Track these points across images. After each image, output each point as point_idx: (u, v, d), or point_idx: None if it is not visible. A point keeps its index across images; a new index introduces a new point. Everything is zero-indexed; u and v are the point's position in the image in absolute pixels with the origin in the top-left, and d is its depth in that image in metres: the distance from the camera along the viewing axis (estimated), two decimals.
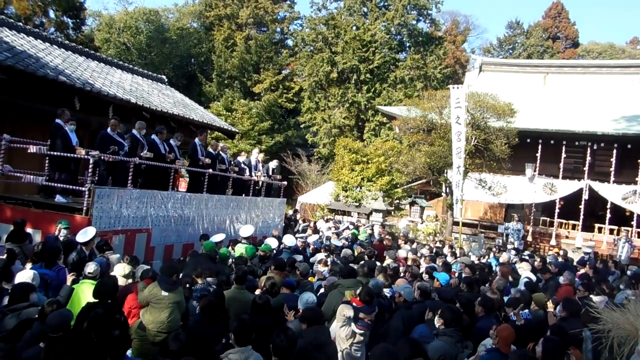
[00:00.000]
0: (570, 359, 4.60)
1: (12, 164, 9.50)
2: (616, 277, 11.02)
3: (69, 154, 8.77)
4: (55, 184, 8.80)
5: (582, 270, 11.29)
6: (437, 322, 5.03)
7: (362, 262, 8.72)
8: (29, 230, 7.93)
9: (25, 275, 5.16)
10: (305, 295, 5.60)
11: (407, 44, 37.74)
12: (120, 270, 6.48)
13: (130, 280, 6.45)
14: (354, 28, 35.24)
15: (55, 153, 8.78)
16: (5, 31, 13.42)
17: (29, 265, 6.10)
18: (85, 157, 8.65)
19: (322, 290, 7.14)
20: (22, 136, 9.98)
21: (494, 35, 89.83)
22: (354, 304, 5.50)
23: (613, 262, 13.17)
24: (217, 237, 9.39)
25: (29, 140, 9.88)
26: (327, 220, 18.28)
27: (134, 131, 10.06)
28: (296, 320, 5.30)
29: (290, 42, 42.42)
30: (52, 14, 34.99)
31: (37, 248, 6.31)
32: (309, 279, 7.98)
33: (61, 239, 7.49)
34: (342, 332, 5.20)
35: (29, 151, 9.27)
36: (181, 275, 6.67)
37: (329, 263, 8.66)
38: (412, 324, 5.55)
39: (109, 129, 9.43)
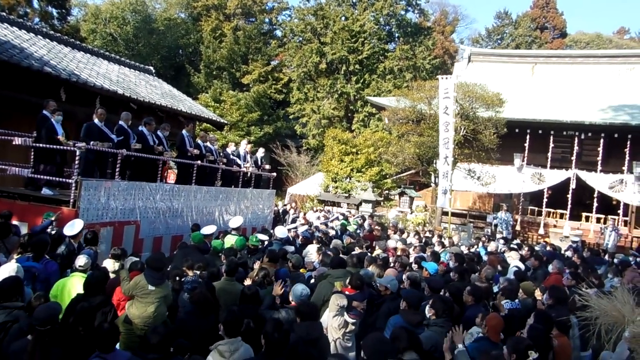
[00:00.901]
0: (553, 343, 4.65)
1: None
2: (608, 266, 11.11)
3: (54, 146, 8.65)
4: (41, 176, 8.70)
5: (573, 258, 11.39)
6: (429, 312, 5.05)
7: (351, 253, 8.74)
8: (15, 222, 7.82)
9: (9, 268, 5.06)
10: (299, 287, 5.57)
11: (396, 35, 37.65)
12: (110, 266, 6.43)
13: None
14: (343, 18, 35.05)
15: (40, 145, 8.66)
16: None
17: (16, 256, 6.01)
18: (72, 148, 8.54)
19: (312, 281, 7.14)
20: (7, 128, 9.84)
21: (483, 25, 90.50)
22: (346, 292, 5.51)
23: (603, 251, 13.30)
24: (208, 230, 9.30)
25: (14, 131, 9.74)
26: (316, 211, 18.30)
27: (121, 122, 9.94)
28: (285, 309, 5.29)
29: (278, 33, 42.19)
30: (36, 4, 34.64)
31: (23, 239, 6.22)
32: (300, 270, 7.96)
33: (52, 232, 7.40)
34: (334, 322, 5.21)
35: (14, 143, 9.13)
36: (170, 267, 6.62)
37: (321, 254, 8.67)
38: None
39: (96, 120, 9.30)
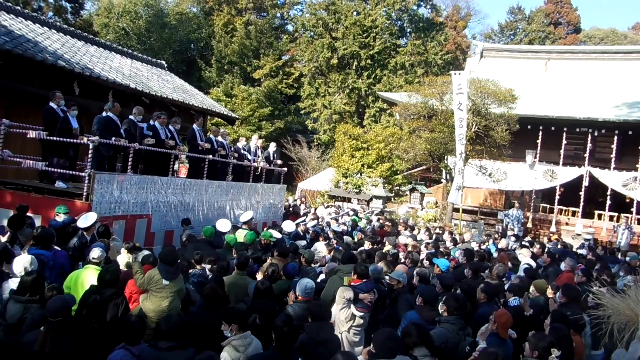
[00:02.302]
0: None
1: (11, 149, 9.44)
2: (621, 265, 11.01)
3: (67, 139, 8.71)
4: (55, 170, 8.76)
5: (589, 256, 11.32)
6: (441, 309, 5.04)
7: (361, 249, 8.73)
8: (30, 215, 7.89)
9: (23, 260, 5.12)
10: (304, 281, 5.58)
11: (408, 30, 37.42)
12: (124, 260, 6.48)
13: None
14: (355, 13, 34.92)
15: (54, 138, 8.72)
16: (3, 15, 13.28)
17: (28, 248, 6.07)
18: (86, 142, 8.60)
19: (322, 276, 7.14)
20: (21, 121, 9.92)
21: (496, 21, 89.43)
22: (352, 284, 5.53)
23: (618, 250, 13.17)
24: (224, 226, 9.28)
25: (29, 125, 9.83)
26: (327, 207, 18.29)
27: (131, 117, 9.99)
28: (296, 304, 5.30)
29: (290, 28, 42.16)
30: None
31: (36, 232, 6.28)
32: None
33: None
34: (342, 314, 5.22)
35: (28, 136, 9.20)
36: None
37: (332, 249, 8.70)
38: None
39: (110, 114, 9.35)
